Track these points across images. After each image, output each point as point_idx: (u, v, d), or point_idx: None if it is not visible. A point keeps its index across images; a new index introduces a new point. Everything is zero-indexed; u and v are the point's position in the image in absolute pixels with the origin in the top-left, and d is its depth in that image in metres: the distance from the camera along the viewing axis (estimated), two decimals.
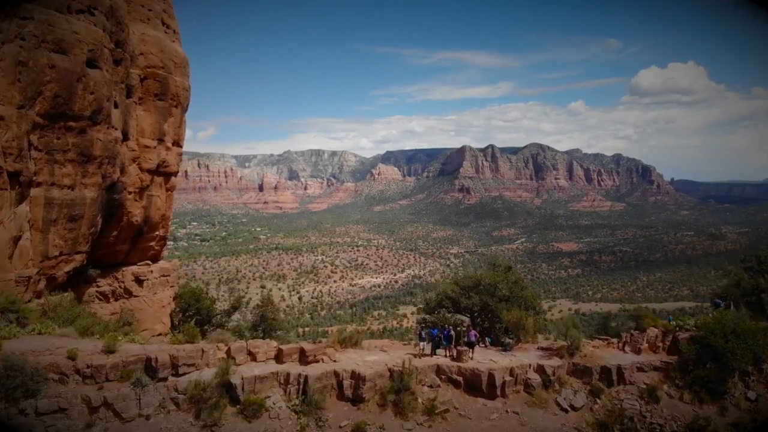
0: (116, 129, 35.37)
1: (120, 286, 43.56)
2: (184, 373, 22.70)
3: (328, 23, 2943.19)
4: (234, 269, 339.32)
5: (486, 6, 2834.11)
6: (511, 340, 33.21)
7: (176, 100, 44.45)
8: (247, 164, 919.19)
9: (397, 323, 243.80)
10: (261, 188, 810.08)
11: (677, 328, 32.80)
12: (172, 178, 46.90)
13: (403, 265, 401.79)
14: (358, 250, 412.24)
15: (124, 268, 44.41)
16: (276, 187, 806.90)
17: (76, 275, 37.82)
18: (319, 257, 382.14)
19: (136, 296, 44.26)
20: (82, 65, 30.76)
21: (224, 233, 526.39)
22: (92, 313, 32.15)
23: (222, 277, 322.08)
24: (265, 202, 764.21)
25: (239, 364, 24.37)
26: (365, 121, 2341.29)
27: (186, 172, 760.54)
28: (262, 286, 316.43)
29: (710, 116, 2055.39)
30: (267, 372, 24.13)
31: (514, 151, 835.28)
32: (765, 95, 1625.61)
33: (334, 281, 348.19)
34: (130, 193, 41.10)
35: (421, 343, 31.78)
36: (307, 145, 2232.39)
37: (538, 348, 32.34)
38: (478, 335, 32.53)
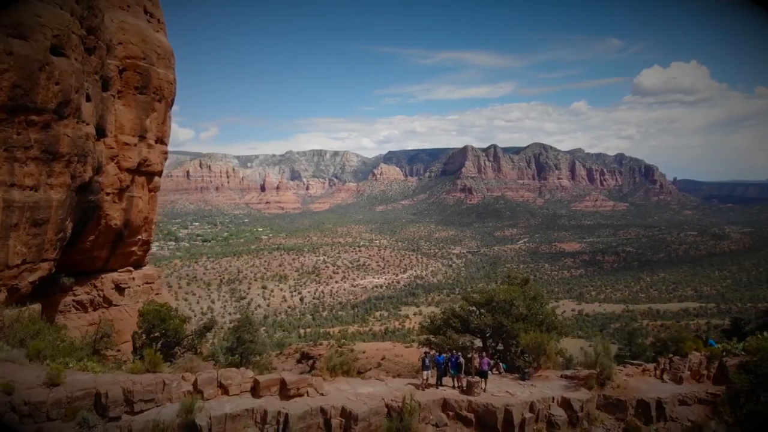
0: (88, 124, 32.09)
1: (99, 295, 40.50)
2: (141, 411, 19.17)
3: (329, 23, 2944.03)
4: (235, 270, 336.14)
5: (487, 6, 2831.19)
6: (529, 367, 29.16)
7: (159, 94, 41.26)
8: (249, 164, 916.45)
9: (399, 324, 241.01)
10: (263, 188, 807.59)
11: (724, 353, 28.75)
12: (156, 177, 43.74)
13: (405, 265, 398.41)
14: (360, 251, 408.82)
15: (103, 276, 41.35)
16: (278, 188, 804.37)
17: (48, 284, 34.72)
18: (321, 258, 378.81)
19: (116, 305, 41.22)
20: (45, 52, 27.54)
21: (226, 233, 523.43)
22: (59, 329, 28.76)
23: (223, 278, 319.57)
24: (267, 203, 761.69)
25: (208, 399, 20.81)
26: (367, 121, 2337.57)
27: (188, 172, 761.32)
28: (264, 287, 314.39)
29: (713, 116, 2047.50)
30: (240, 409, 20.50)
31: (517, 150, 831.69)
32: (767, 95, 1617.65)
33: (336, 282, 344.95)
34: (108, 194, 37.94)
35: (425, 372, 27.17)
36: (309, 145, 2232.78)
37: (561, 376, 28.16)
38: (491, 362, 28.59)
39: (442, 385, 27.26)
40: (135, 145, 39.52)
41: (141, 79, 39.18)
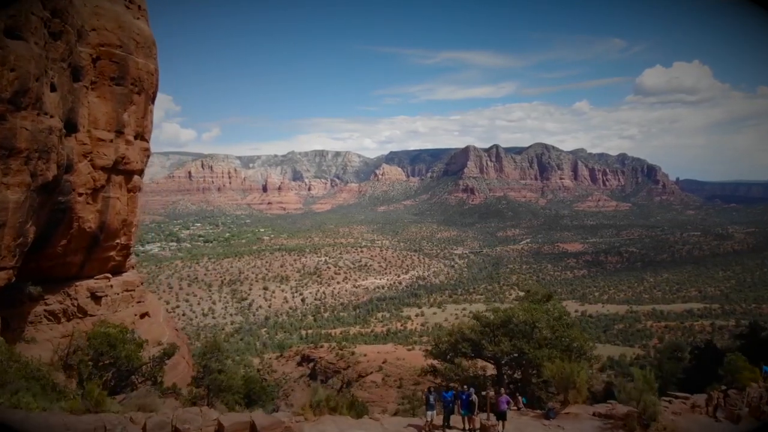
0: (52, 116, 28.79)
1: (72, 304, 37.25)
2: None
3: (330, 23, 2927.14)
4: (237, 270, 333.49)
5: (487, 6, 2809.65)
6: (554, 402, 25.04)
7: (138, 86, 38.02)
8: (251, 165, 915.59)
9: (401, 325, 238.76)
10: (265, 189, 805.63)
11: None
12: (136, 177, 40.43)
13: (407, 266, 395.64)
14: (361, 251, 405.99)
15: (77, 283, 38.07)
16: (280, 188, 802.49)
17: (14, 293, 31.61)
18: (323, 258, 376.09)
19: (92, 315, 37.94)
20: None
21: (228, 234, 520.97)
22: (11, 349, 25.44)
23: (225, 279, 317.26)
24: (268, 203, 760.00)
25: None
26: (369, 122, 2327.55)
27: (190, 173, 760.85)
28: (265, 288, 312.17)
29: (715, 115, 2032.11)
30: None
31: (519, 151, 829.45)
32: None
33: (338, 282, 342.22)
34: (80, 194, 34.70)
35: (429, 413, 22.79)
36: (311, 145, 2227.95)
37: (594, 413, 23.72)
38: (510, 400, 24.23)
39: (449, 427, 23.21)
40: (111, 141, 36.30)
41: (117, 69, 35.97)
